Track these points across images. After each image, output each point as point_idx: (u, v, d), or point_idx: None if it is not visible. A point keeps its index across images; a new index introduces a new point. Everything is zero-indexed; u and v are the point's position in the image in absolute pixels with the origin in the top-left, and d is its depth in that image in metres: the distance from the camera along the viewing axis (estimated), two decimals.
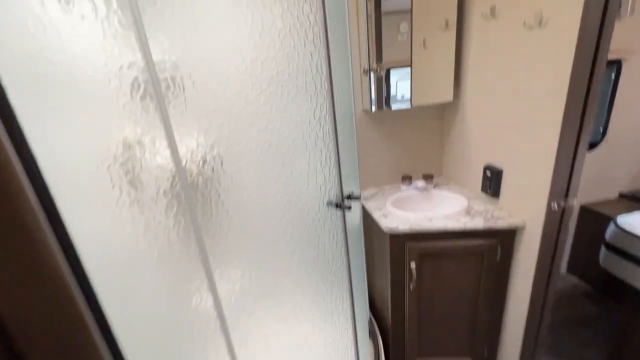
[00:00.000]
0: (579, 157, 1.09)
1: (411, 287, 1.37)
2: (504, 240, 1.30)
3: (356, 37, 1.47)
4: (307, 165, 0.89)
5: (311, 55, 0.81)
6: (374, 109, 1.50)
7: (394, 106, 1.51)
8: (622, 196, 2.04)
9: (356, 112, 1.60)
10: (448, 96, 1.51)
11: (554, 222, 1.16)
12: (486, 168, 1.40)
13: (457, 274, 1.37)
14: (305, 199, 0.92)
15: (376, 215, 1.42)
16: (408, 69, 1.45)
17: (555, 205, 1.13)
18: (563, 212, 1.16)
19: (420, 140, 1.72)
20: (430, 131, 1.71)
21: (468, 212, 1.36)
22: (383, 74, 1.44)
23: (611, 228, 1.40)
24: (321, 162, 0.91)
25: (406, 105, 1.51)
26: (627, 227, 1.33)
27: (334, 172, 0.95)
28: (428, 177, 1.62)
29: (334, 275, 1.02)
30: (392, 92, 1.48)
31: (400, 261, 1.36)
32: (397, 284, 1.40)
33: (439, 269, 1.36)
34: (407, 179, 1.65)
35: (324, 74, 0.85)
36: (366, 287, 1.20)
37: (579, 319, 1.87)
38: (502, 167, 1.33)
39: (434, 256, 1.34)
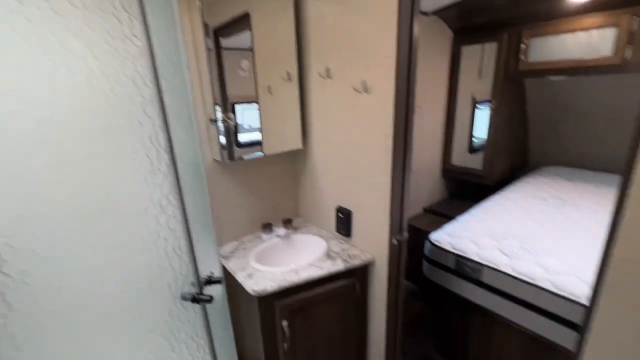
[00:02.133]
0: (405, 200, 1.32)
1: (285, 347, 1.30)
2: (360, 275, 1.42)
3: (198, 85, 1.32)
4: (144, 242, 0.67)
5: (139, 103, 0.62)
6: (225, 159, 1.38)
7: (247, 156, 1.44)
8: (425, 210, 2.67)
9: (206, 163, 1.44)
10: (297, 144, 1.57)
11: (396, 253, 1.36)
12: (338, 210, 1.51)
13: (325, 319, 1.40)
14: (148, 295, 0.70)
15: (240, 277, 1.28)
16: (257, 117, 1.42)
17: (395, 241, 1.33)
18: (400, 244, 1.37)
19: (276, 186, 1.71)
20: (285, 176, 1.73)
21: (328, 255, 1.42)
22: (233, 123, 1.35)
23: (427, 245, 1.79)
24: (166, 243, 0.72)
25: (259, 154, 1.47)
26: (437, 244, 1.73)
27: (185, 249, 0.77)
28: (288, 222, 1.62)
29: None
30: (243, 140, 1.41)
31: (271, 323, 1.26)
32: (271, 347, 1.30)
33: (309, 319, 1.35)
34: (267, 226, 1.59)
35: (158, 123, 0.66)
36: None
37: (412, 318, 2.28)
38: (351, 209, 1.47)
39: (304, 308, 1.32)
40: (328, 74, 1.36)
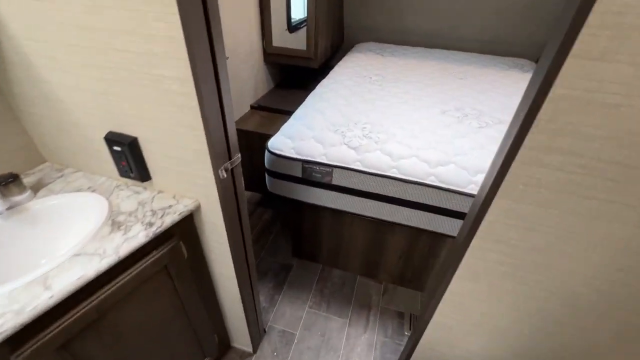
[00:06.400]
0: (225, 104, 0.79)
1: None
2: (183, 232, 0.92)
3: None
4: None
5: None
6: None
7: None
8: (253, 107, 2.22)
9: None
10: None
11: (229, 188, 0.91)
12: (110, 140, 0.84)
13: (150, 305, 0.90)
14: None
15: None
16: None
17: (223, 173, 0.85)
18: (232, 173, 0.91)
19: None
20: None
21: (115, 222, 0.82)
22: None
23: (267, 156, 1.40)
24: None
25: None
26: (279, 152, 1.36)
27: None
28: (9, 182, 0.82)
29: None
30: None
31: None
32: None
33: (122, 321, 0.82)
34: None
35: None
36: None
37: (261, 226, 2.08)
38: (134, 134, 0.83)
39: (101, 319, 0.75)
40: None
